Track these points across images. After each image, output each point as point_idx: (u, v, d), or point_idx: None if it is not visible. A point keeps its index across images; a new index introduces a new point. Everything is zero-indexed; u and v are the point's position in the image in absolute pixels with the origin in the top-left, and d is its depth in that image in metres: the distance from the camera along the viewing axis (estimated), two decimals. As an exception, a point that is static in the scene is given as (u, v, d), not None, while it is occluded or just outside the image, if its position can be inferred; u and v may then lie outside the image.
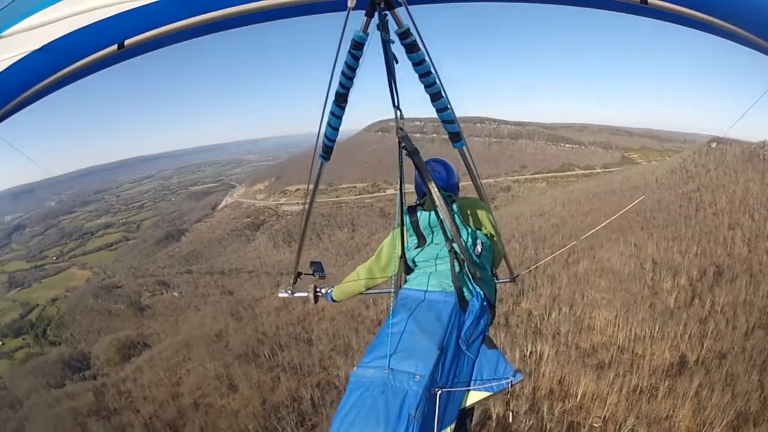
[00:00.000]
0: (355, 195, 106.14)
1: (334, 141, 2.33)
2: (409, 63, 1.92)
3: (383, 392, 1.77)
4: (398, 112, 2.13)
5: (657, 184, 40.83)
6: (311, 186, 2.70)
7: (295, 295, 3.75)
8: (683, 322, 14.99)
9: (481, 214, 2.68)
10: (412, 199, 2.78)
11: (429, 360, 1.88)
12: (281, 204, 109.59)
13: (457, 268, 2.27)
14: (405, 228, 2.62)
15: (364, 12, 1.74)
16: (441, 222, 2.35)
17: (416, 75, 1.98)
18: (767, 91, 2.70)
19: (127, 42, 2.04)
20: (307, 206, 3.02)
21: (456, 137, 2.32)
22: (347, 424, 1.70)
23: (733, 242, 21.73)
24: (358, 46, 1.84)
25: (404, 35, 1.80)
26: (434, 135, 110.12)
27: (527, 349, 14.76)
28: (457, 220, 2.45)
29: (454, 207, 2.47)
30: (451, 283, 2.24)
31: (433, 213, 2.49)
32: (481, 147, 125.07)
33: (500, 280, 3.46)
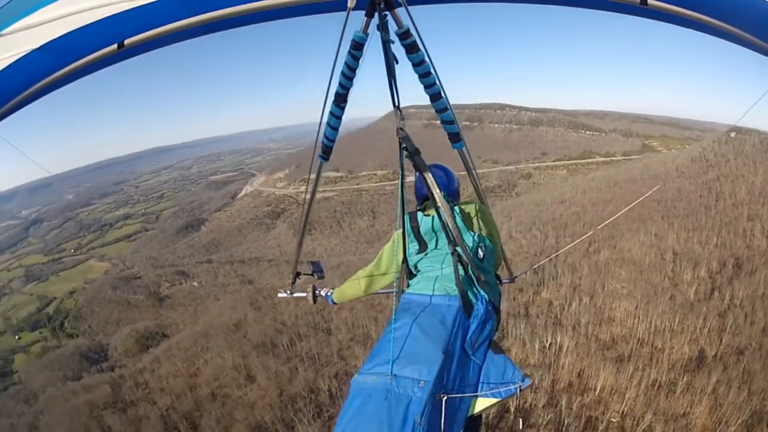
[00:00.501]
0: (376, 182, 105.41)
1: (333, 141, 2.33)
2: (409, 63, 1.92)
3: (386, 399, 1.72)
4: (398, 112, 2.13)
5: (677, 172, 39.95)
6: (311, 186, 2.72)
7: (294, 295, 3.75)
8: (702, 316, 14.65)
9: (482, 216, 2.64)
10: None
11: (433, 365, 1.82)
12: (301, 192, 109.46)
13: (461, 272, 2.21)
14: (406, 233, 2.58)
15: (364, 12, 1.75)
16: (444, 224, 2.29)
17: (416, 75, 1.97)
18: None
19: (126, 41, 2.04)
20: (306, 206, 3.01)
21: (455, 138, 2.30)
22: (350, 431, 1.67)
23: (753, 234, 21.15)
24: (358, 47, 1.85)
25: (404, 36, 1.80)
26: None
27: (547, 341, 14.57)
28: (460, 223, 2.41)
29: (456, 210, 2.45)
30: (455, 287, 2.18)
31: (434, 217, 2.46)
32: (501, 134, 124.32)
33: (500, 281, 3.50)
